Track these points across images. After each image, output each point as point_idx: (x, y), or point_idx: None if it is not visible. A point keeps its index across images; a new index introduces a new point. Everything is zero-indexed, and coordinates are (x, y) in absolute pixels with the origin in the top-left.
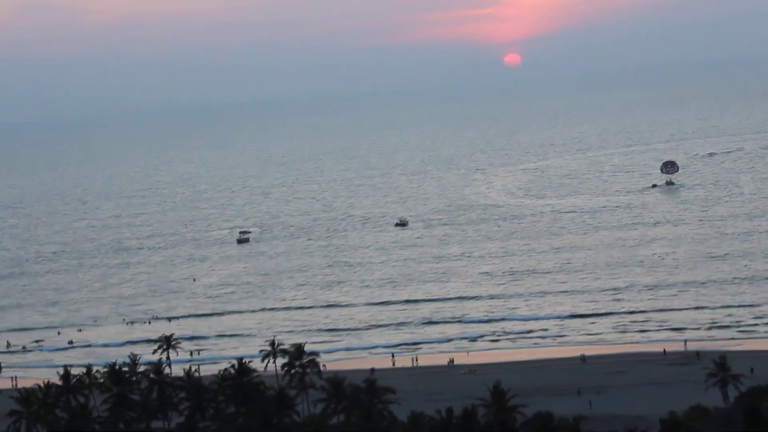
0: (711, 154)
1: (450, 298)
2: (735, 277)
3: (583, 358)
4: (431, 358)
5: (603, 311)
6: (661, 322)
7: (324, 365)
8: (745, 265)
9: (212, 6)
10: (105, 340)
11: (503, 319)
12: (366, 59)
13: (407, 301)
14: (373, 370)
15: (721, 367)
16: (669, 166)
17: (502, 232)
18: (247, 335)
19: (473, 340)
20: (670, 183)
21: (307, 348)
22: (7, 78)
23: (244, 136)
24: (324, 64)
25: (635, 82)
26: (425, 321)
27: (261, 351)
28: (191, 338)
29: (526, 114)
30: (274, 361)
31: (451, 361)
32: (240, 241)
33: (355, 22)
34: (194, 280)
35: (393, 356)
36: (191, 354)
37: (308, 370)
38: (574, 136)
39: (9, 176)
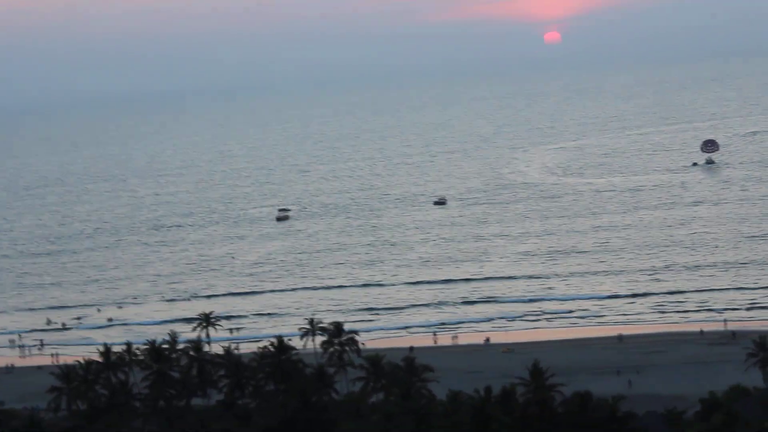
0: (754, 133)
1: (489, 278)
2: None
3: (620, 338)
4: (470, 336)
5: (642, 291)
6: (700, 302)
7: (363, 343)
8: None
9: None
10: (144, 318)
11: (542, 299)
12: (406, 37)
13: (446, 281)
14: (411, 348)
15: (761, 347)
16: (709, 145)
17: (540, 212)
18: (286, 314)
19: (512, 319)
20: (710, 162)
21: (346, 327)
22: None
23: (284, 115)
24: (367, 41)
25: (675, 61)
26: (464, 300)
27: (300, 329)
28: (230, 316)
29: (565, 92)
30: (313, 339)
31: (488, 339)
32: (279, 219)
33: (396, 1)
34: (233, 258)
35: (435, 334)
36: (230, 332)
37: (347, 348)
38: (614, 114)
39: (51, 154)
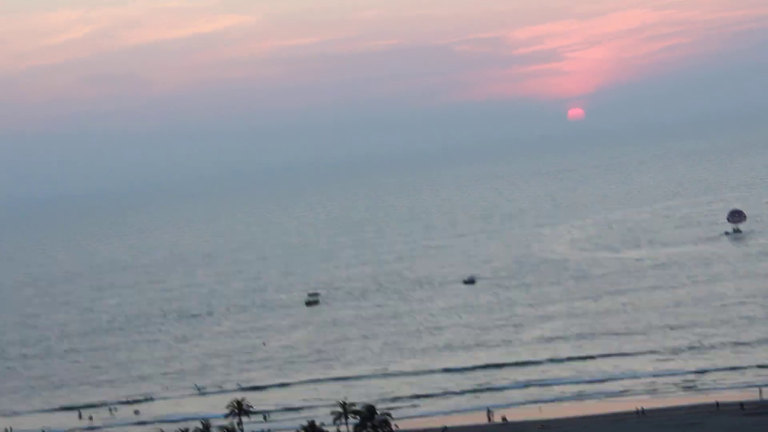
0: None
1: (517, 363)
2: None
3: (642, 412)
4: (508, 414)
5: (672, 369)
6: (735, 374)
7: (396, 425)
8: None
9: (272, 72)
10: (174, 411)
11: (581, 382)
12: (431, 117)
13: (481, 367)
14: (445, 428)
15: None
16: (736, 216)
17: (570, 288)
18: (317, 399)
19: (546, 401)
20: (737, 231)
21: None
22: (75, 149)
23: (305, 198)
24: (388, 123)
25: (698, 132)
26: (489, 386)
27: (332, 413)
28: (263, 403)
29: (590, 167)
30: (346, 423)
31: (504, 418)
32: (309, 303)
33: (419, 81)
34: (264, 343)
35: (489, 411)
36: (264, 418)
37: (380, 430)
38: (638, 187)
39: (76, 246)
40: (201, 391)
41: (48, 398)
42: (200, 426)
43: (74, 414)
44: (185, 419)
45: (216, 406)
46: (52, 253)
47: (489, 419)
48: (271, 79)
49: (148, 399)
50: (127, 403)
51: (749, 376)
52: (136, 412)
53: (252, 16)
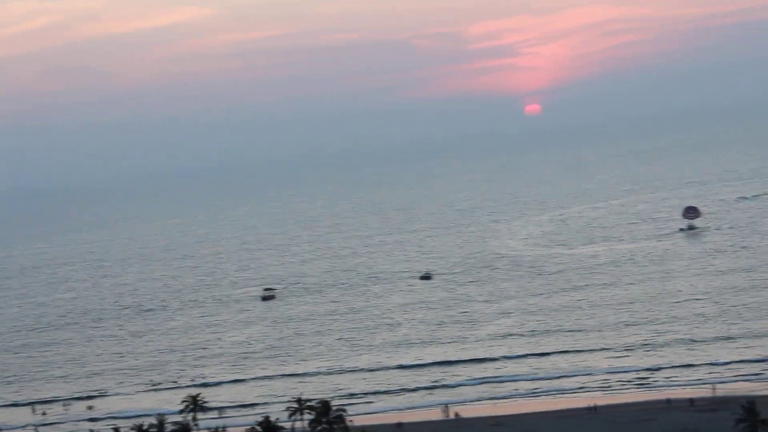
0: (740, 199)
1: (472, 360)
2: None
3: (594, 408)
4: (462, 410)
5: (625, 366)
6: (687, 370)
7: (351, 420)
8: None
9: (230, 65)
10: (128, 406)
11: (536, 379)
12: (385, 116)
13: (438, 363)
14: (399, 424)
15: (749, 412)
16: (691, 212)
17: (525, 285)
18: (272, 395)
19: (500, 398)
20: (692, 227)
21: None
22: (33, 143)
23: (261, 194)
24: (346, 119)
25: (654, 128)
26: (444, 383)
27: (288, 408)
28: (217, 398)
29: (546, 163)
30: (301, 418)
31: (457, 414)
32: (265, 299)
33: (378, 78)
34: (219, 339)
35: (445, 407)
36: (218, 412)
37: (335, 426)
38: (594, 184)
39: (33, 241)
40: (154, 385)
41: (0, 393)
42: (154, 422)
43: (27, 409)
44: (139, 415)
45: (170, 402)
46: (7, 248)
47: (446, 415)
48: (229, 73)
49: (102, 394)
50: (81, 398)
51: (702, 374)
52: (90, 408)
53: (210, 9)
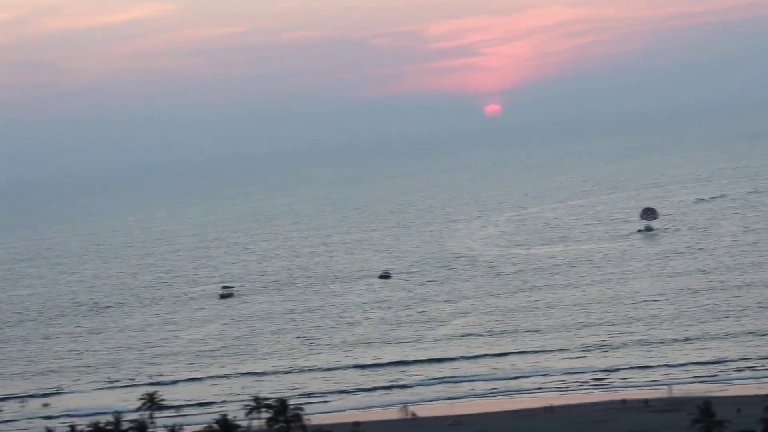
0: (699, 200)
1: (430, 360)
2: (719, 329)
3: (550, 408)
4: (419, 409)
5: (582, 366)
6: (644, 371)
7: (308, 419)
8: (729, 318)
9: (192, 62)
10: (87, 401)
11: (494, 379)
12: (349, 111)
13: (395, 363)
14: (357, 423)
15: (705, 412)
16: (649, 213)
17: (483, 285)
18: (229, 393)
19: (458, 397)
20: (649, 229)
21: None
22: None
23: (228, 191)
24: (307, 116)
25: (614, 129)
26: (402, 382)
27: (245, 406)
28: (174, 396)
29: (506, 163)
30: (258, 416)
31: (413, 414)
32: (223, 296)
33: (339, 75)
34: (177, 337)
35: (403, 406)
36: (175, 410)
37: (292, 425)
38: (553, 184)
39: None
40: (111, 382)
41: None
42: (111, 419)
43: None
44: (96, 413)
45: (127, 400)
46: None
47: (404, 414)
48: (190, 70)
49: (58, 392)
50: (37, 396)
51: (658, 375)
52: (46, 405)
53: (172, 5)
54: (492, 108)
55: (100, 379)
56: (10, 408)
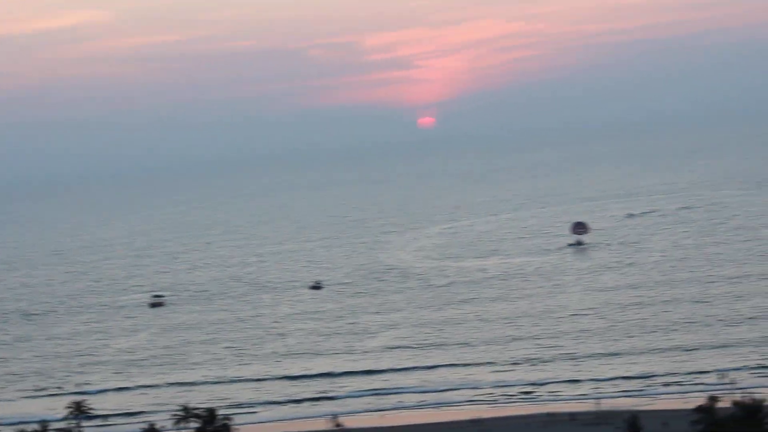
0: (629, 215)
1: (360, 372)
2: (648, 345)
3: (477, 421)
4: (350, 421)
5: (510, 380)
6: (571, 386)
7: (237, 429)
8: (657, 332)
9: (127, 70)
10: (12, 409)
11: (423, 391)
12: (285, 122)
13: (324, 374)
14: None
15: (632, 426)
16: (579, 227)
17: (414, 297)
18: (158, 403)
19: (386, 409)
20: (580, 243)
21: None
22: None
23: (159, 200)
24: (243, 126)
25: (546, 143)
26: (331, 394)
27: (173, 416)
28: (102, 406)
29: (439, 176)
30: (186, 426)
31: (338, 425)
32: (153, 305)
33: (275, 86)
34: (105, 346)
35: (333, 417)
36: (102, 419)
37: None
38: (485, 197)
39: None
40: (38, 390)
41: None
42: (37, 428)
43: None
44: (22, 422)
45: (54, 408)
46: None
47: (332, 425)
48: (125, 77)
49: None
50: None
51: (585, 389)
52: None
53: (107, 12)
54: (426, 120)
55: (26, 387)
56: None
